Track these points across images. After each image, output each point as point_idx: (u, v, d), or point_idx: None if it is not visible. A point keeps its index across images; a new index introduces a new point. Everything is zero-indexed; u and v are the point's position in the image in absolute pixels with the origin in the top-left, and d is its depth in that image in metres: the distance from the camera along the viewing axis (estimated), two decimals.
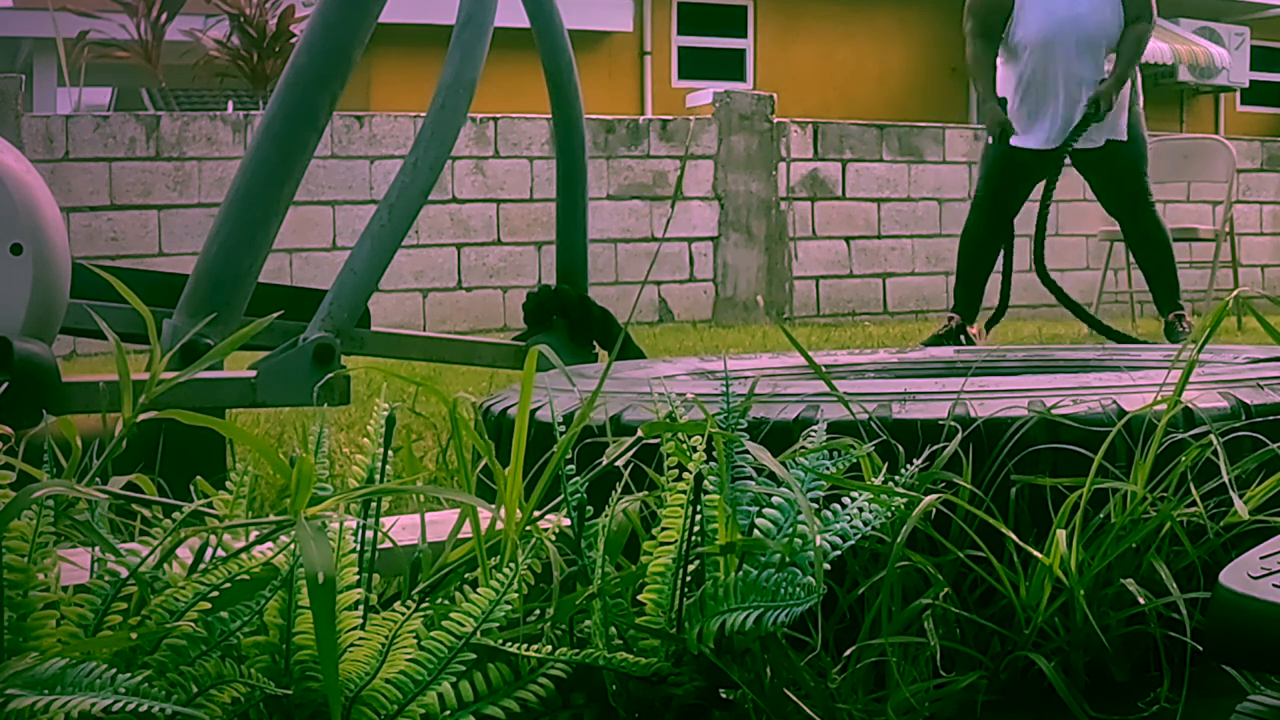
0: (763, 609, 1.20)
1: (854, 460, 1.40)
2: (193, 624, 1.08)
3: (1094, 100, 5.81)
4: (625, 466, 1.38)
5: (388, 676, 1.09)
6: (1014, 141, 5.90)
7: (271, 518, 1.18)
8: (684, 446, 1.31)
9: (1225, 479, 1.40)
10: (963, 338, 6.07)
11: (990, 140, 6.05)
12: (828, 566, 1.24)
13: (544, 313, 3.15)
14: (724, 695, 1.27)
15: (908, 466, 1.39)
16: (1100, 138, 5.92)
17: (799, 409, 1.55)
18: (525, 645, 1.16)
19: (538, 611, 1.27)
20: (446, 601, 1.19)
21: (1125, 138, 5.92)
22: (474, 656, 1.13)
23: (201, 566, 1.16)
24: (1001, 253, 6.08)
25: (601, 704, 1.24)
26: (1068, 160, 6.03)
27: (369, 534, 1.23)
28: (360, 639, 1.09)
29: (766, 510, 1.33)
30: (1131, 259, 8.21)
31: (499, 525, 1.28)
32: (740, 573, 1.25)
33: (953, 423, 1.47)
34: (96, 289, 2.48)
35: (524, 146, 9.09)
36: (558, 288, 3.14)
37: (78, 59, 12.43)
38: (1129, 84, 5.91)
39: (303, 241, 8.41)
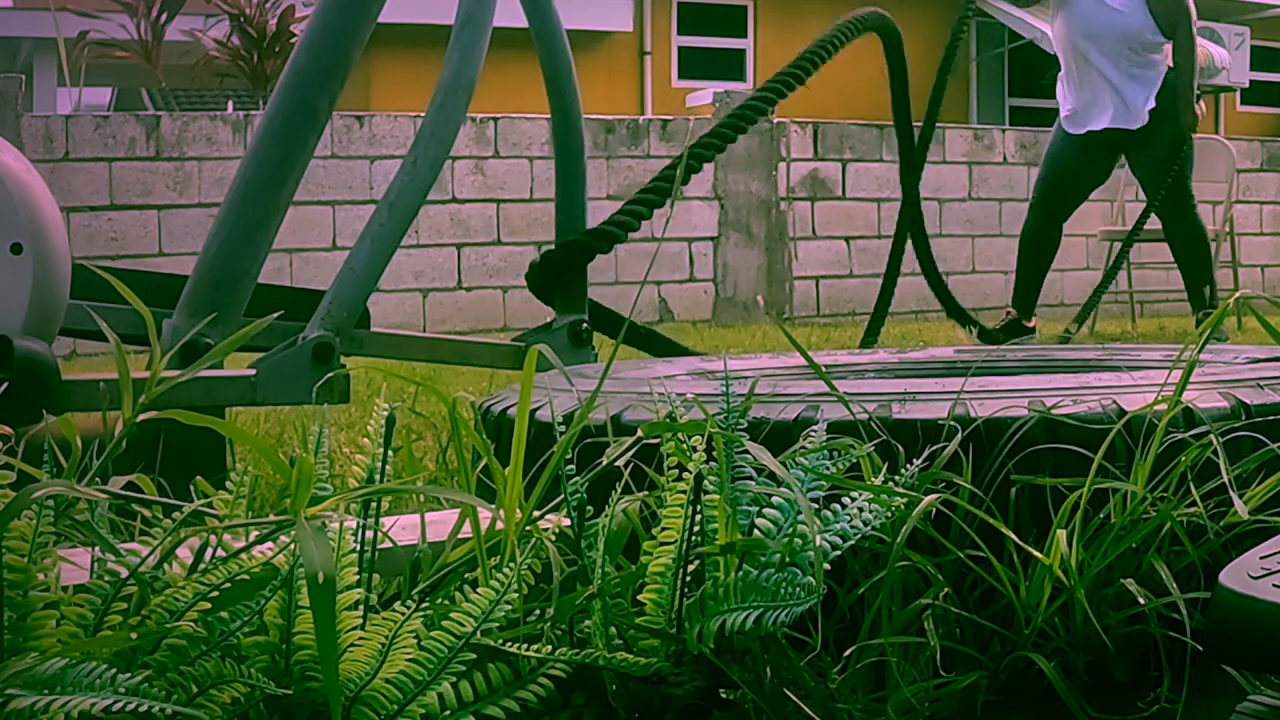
0: (763, 609, 1.20)
1: (854, 460, 1.40)
2: (193, 624, 1.08)
3: (1185, 134, 6.15)
4: (625, 466, 1.38)
5: (388, 676, 1.09)
6: (1069, 129, 6.28)
7: (271, 518, 1.18)
8: (684, 446, 1.31)
9: (1225, 479, 1.40)
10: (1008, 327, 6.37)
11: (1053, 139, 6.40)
12: (828, 566, 1.24)
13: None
14: (724, 695, 1.26)
15: (908, 466, 1.39)
16: (1135, 120, 6.17)
17: (799, 409, 1.55)
18: (525, 645, 1.16)
19: (538, 611, 1.27)
20: (446, 601, 1.19)
21: (1143, 122, 6.17)
22: (474, 656, 1.13)
23: (201, 566, 1.16)
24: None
25: (601, 704, 1.24)
26: (1122, 163, 6.39)
27: (369, 534, 1.23)
28: (360, 639, 1.09)
29: (766, 510, 1.33)
30: (1131, 258, 8.24)
31: (499, 525, 1.28)
32: (740, 573, 1.25)
33: (953, 423, 1.47)
34: (96, 289, 2.48)
35: (524, 146, 9.08)
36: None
37: (78, 59, 12.43)
38: (1166, 88, 6.17)
39: (303, 241, 8.41)
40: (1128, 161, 6.46)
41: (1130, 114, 6.19)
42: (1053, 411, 1.49)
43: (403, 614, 1.10)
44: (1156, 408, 1.48)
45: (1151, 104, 6.17)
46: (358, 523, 1.22)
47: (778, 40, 16.01)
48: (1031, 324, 6.47)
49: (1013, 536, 1.39)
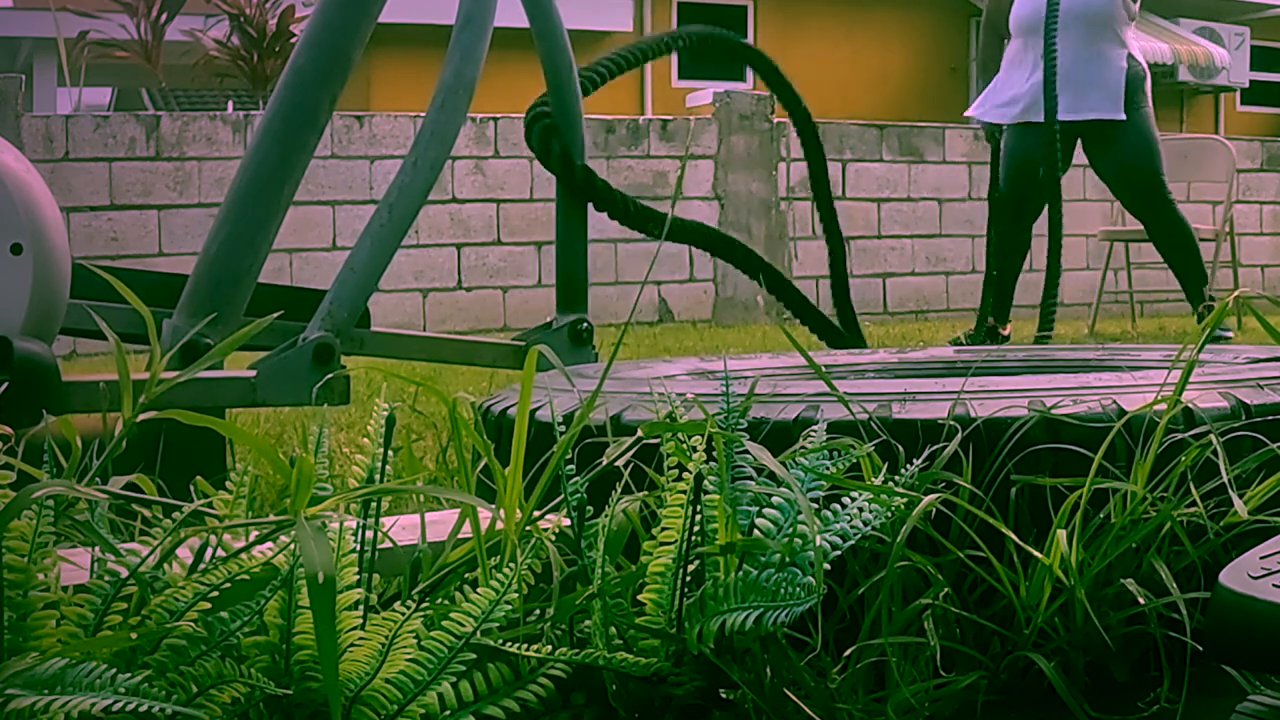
0: (763, 609, 1.20)
1: (854, 460, 1.40)
2: (193, 624, 1.08)
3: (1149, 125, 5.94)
4: (625, 466, 1.38)
5: (388, 676, 1.09)
6: (1005, 118, 6.00)
7: (271, 518, 1.18)
8: (684, 446, 1.31)
9: (1225, 479, 1.40)
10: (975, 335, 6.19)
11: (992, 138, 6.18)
12: (828, 566, 1.24)
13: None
14: (724, 695, 1.27)
15: (908, 466, 1.39)
16: (1084, 109, 5.90)
17: (799, 409, 1.55)
18: (525, 645, 1.16)
19: (538, 611, 1.27)
20: (446, 601, 1.19)
21: (1124, 117, 5.93)
22: (474, 656, 1.13)
23: (201, 566, 1.16)
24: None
25: (601, 704, 1.24)
26: (1086, 163, 6.13)
27: (369, 534, 1.23)
28: (360, 639, 1.09)
29: (766, 510, 1.33)
30: (1131, 259, 8.24)
31: (499, 525, 1.28)
32: (740, 573, 1.25)
33: (953, 423, 1.47)
34: (96, 289, 2.48)
35: (524, 146, 9.02)
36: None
37: (78, 59, 12.43)
38: (1130, 78, 5.95)
39: (303, 241, 8.41)
40: (1089, 159, 6.13)
41: (1090, 104, 5.89)
42: (1053, 411, 1.49)
43: (403, 614, 1.10)
44: (1156, 408, 1.48)
45: (1113, 93, 5.89)
46: (358, 523, 1.22)
47: (778, 40, 16.01)
48: (1006, 331, 6.19)
49: (1013, 536, 1.39)
